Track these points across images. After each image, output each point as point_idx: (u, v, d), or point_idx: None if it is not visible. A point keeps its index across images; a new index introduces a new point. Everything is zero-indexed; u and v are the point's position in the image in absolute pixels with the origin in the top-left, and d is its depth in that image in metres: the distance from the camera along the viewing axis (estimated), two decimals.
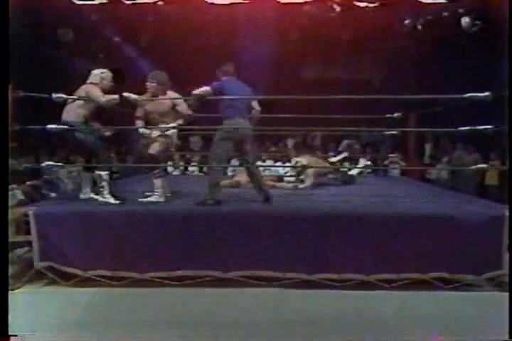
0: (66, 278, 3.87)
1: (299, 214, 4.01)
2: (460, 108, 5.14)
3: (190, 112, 4.51)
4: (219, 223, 3.94)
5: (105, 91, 4.36)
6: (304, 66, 10.99)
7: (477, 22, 8.11)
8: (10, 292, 2.88)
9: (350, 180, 6.29)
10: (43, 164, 5.20)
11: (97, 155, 4.42)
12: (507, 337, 2.64)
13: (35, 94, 4.32)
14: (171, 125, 4.49)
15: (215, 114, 4.59)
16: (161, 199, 4.40)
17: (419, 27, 8.99)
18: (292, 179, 6.18)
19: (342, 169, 6.46)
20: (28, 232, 3.90)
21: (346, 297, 3.66)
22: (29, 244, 3.90)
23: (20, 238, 3.93)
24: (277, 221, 3.94)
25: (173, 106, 4.49)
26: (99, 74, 4.46)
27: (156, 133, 4.49)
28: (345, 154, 7.04)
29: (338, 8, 8.62)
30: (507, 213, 3.79)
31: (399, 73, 9.62)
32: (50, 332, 3.02)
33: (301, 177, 5.95)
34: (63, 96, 4.31)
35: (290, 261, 3.86)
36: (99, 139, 4.46)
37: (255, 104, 4.62)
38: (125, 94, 4.28)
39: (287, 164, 7.03)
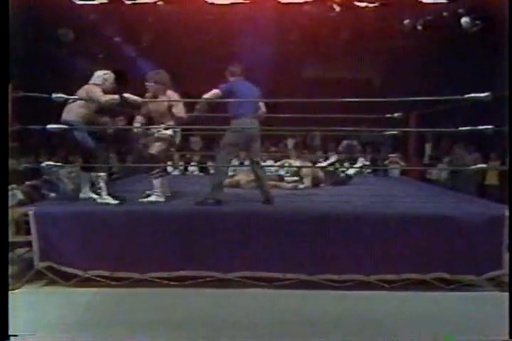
0: (66, 278, 3.87)
1: (299, 214, 4.01)
2: (460, 108, 5.13)
3: (183, 115, 4.44)
4: (219, 223, 3.93)
5: (107, 93, 4.36)
6: (304, 66, 10.98)
7: (477, 22, 8.10)
8: (10, 292, 2.88)
9: (345, 180, 6.28)
10: (43, 164, 5.19)
11: (95, 156, 4.42)
12: (507, 337, 2.65)
13: (35, 94, 4.31)
14: (163, 126, 4.45)
15: (214, 115, 4.58)
16: (161, 199, 4.39)
17: (419, 27, 8.98)
18: (292, 179, 6.17)
19: (341, 169, 6.45)
20: (28, 232, 3.90)
21: (346, 297, 3.66)
22: (29, 244, 3.90)
23: (20, 238, 3.93)
24: (277, 221, 3.94)
25: (170, 107, 4.46)
26: (102, 76, 4.49)
27: (157, 132, 4.48)
28: (335, 157, 7.02)
29: (338, 8, 8.62)
30: (507, 213, 3.79)
31: (399, 73, 9.62)
32: (50, 332, 3.01)
33: (299, 177, 5.95)
34: (63, 96, 4.30)
35: (290, 261, 3.86)
36: (98, 139, 4.46)
37: (261, 104, 4.63)
38: (125, 94, 4.28)
39: (277, 163, 6.97)
